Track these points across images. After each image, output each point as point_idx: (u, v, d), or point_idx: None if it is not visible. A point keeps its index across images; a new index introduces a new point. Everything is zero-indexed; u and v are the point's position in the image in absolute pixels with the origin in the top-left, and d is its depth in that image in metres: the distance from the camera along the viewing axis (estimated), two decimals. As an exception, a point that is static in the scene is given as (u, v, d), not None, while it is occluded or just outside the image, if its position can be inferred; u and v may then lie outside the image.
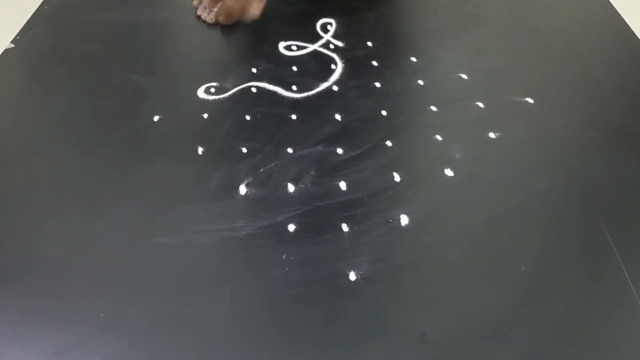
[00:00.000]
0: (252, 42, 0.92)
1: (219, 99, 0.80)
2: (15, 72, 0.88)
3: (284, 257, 0.58)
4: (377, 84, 0.82)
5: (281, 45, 0.90)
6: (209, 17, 0.96)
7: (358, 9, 0.98)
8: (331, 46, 0.89)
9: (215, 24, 0.95)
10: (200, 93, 0.81)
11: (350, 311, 0.54)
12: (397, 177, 0.67)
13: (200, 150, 0.72)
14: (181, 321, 0.54)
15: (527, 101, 0.77)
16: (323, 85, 0.82)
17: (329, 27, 0.94)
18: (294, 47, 0.90)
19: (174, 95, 0.81)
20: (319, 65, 0.86)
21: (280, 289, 0.56)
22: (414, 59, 0.86)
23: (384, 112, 0.76)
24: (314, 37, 0.92)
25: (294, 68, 0.85)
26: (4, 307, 0.55)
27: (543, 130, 0.73)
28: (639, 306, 0.53)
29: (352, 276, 0.57)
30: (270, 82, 0.82)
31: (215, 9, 0.94)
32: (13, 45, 0.91)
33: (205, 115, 0.77)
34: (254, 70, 0.85)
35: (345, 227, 0.61)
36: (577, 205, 0.63)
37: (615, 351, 0.50)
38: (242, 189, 0.66)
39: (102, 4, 1.02)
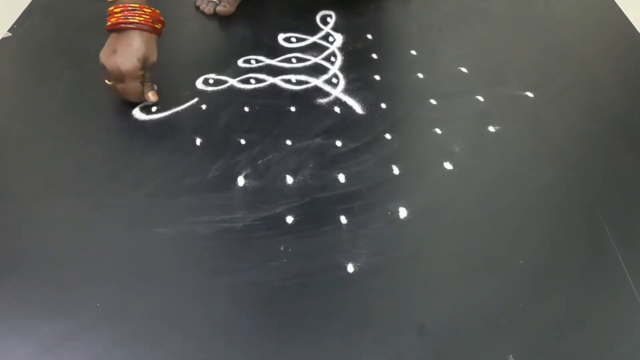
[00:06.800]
0: (251, 33, 0.91)
1: (217, 90, 0.80)
2: (12, 61, 0.87)
3: (282, 248, 0.58)
4: (377, 77, 0.81)
5: (280, 37, 0.90)
6: (207, 7, 0.95)
7: (358, 1, 0.98)
8: (331, 38, 0.89)
9: (214, 15, 0.95)
10: (199, 84, 0.80)
11: (348, 303, 0.54)
12: (396, 170, 0.67)
13: (198, 141, 0.71)
14: (179, 311, 0.53)
15: (527, 95, 0.77)
16: (322, 78, 0.81)
17: (328, 19, 0.94)
18: (293, 39, 0.89)
19: (172, 86, 0.81)
20: (318, 58, 0.85)
21: (279, 281, 0.56)
22: (414, 52, 0.86)
23: (383, 105, 0.76)
24: (314, 29, 0.91)
25: (293, 60, 0.85)
26: (1, 297, 0.55)
27: (543, 124, 0.73)
28: (637, 300, 0.53)
29: (350, 268, 0.57)
30: (269, 74, 0.82)
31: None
32: (10, 34, 0.90)
33: (204, 107, 0.77)
34: (252, 62, 0.85)
35: (343, 220, 0.61)
36: (577, 200, 0.63)
37: (613, 344, 0.51)
38: (241, 181, 0.66)
39: (100, -7, 1.01)
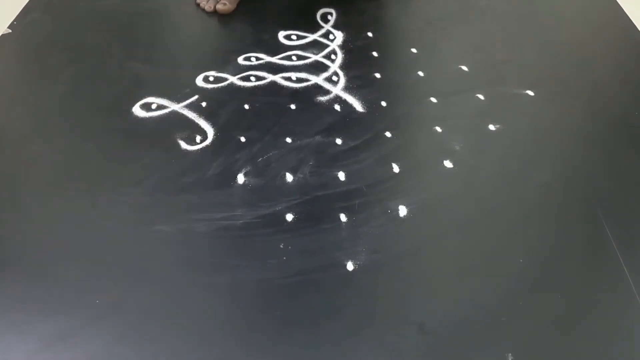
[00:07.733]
0: (252, 31, 0.91)
1: (217, 88, 0.80)
2: (12, 58, 0.87)
3: (281, 246, 0.58)
4: (377, 75, 0.81)
5: (281, 35, 0.90)
6: (207, 5, 0.95)
7: (358, -1, 0.98)
8: (331, 36, 0.89)
9: (214, 13, 0.95)
10: (199, 81, 0.80)
11: (347, 301, 0.54)
12: (396, 168, 0.67)
13: (198, 138, 0.71)
14: (179, 309, 0.53)
15: (527, 94, 0.77)
16: (323, 76, 0.81)
17: (329, 16, 0.94)
18: (293, 37, 0.89)
19: (172, 84, 0.80)
20: (318, 55, 0.85)
21: (278, 278, 0.56)
22: (414, 50, 0.86)
23: (383, 103, 0.76)
24: (314, 27, 0.91)
25: (294, 58, 0.85)
26: (1, 294, 0.55)
27: (543, 122, 0.73)
28: (637, 299, 0.53)
29: (350, 266, 0.57)
30: (269, 72, 0.82)
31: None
32: (10, 31, 0.90)
33: (204, 104, 0.77)
34: (253, 59, 0.85)
35: (343, 217, 0.61)
36: (576, 198, 0.63)
37: (613, 343, 0.51)
38: (240, 178, 0.66)
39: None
